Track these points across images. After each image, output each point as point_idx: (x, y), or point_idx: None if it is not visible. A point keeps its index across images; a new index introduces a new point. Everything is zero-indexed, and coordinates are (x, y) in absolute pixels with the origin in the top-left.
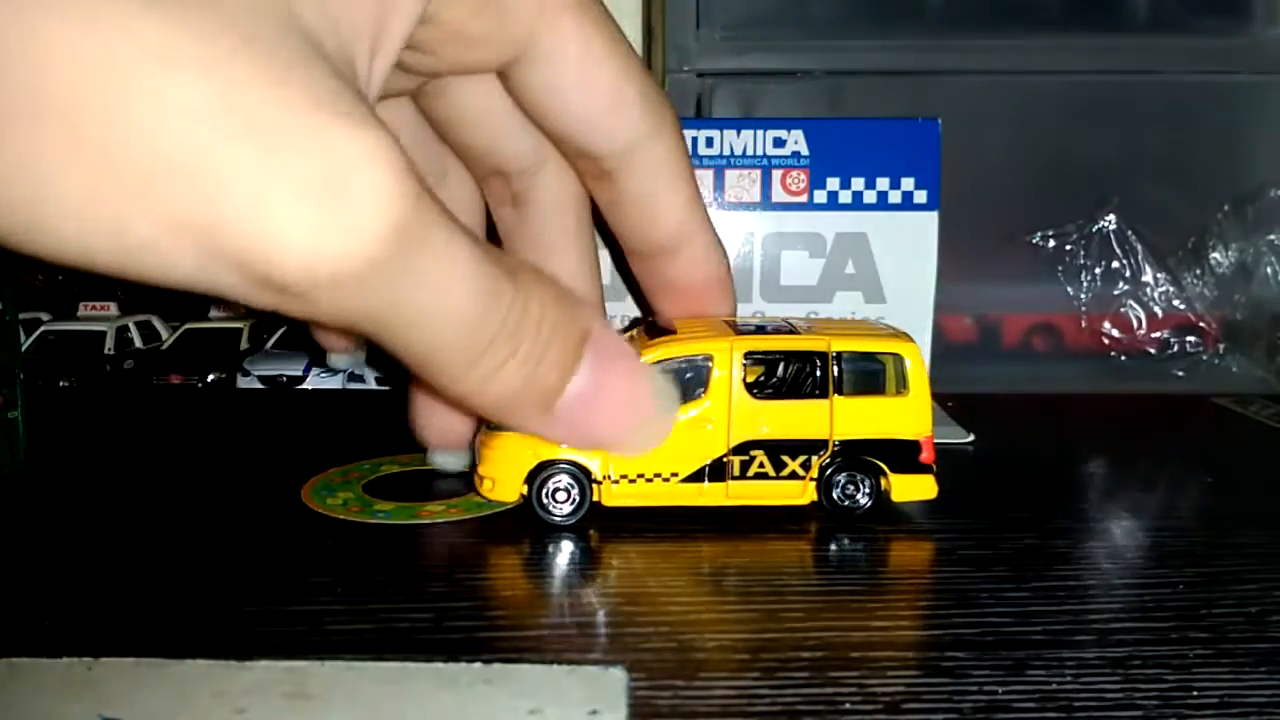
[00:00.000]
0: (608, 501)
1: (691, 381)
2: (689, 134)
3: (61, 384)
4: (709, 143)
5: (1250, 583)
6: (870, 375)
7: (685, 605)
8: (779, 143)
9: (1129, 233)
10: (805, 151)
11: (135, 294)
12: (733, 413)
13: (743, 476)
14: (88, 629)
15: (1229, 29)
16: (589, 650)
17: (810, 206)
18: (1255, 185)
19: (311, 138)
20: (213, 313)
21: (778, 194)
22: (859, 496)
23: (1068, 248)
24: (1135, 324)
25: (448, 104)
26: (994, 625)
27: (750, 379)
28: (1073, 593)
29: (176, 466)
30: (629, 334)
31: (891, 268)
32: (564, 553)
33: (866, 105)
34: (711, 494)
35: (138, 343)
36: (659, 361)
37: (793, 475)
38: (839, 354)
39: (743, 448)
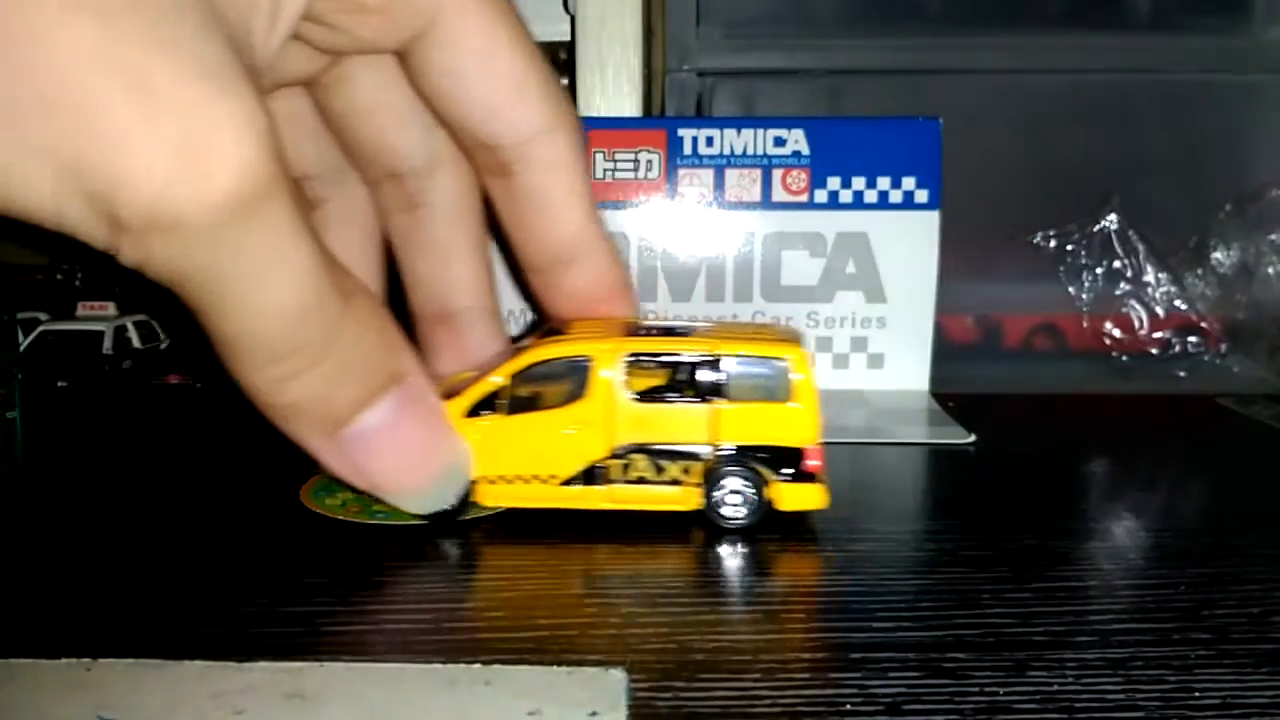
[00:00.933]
0: (485, 501)
1: (573, 382)
2: (689, 133)
3: (59, 384)
4: (709, 142)
5: (1252, 583)
6: (757, 381)
7: (685, 606)
8: (779, 142)
9: (1130, 233)
10: (806, 151)
11: (133, 293)
12: (613, 415)
13: (623, 481)
14: (86, 629)
15: (1230, 28)
16: (589, 651)
17: (811, 206)
18: (1257, 185)
19: (188, 102)
20: None
21: (778, 193)
22: (741, 504)
23: (1069, 248)
24: (1137, 324)
25: (343, 95)
26: (995, 626)
27: (653, 384)
28: (1074, 593)
29: (175, 467)
30: (528, 341)
31: (892, 267)
32: (563, 553)
33: (867, 104)
34: (591, 497)
35: (136, 343)
36: (540, 362)
37: (675, 481)
38: (724, 358)
39: (623, 451)
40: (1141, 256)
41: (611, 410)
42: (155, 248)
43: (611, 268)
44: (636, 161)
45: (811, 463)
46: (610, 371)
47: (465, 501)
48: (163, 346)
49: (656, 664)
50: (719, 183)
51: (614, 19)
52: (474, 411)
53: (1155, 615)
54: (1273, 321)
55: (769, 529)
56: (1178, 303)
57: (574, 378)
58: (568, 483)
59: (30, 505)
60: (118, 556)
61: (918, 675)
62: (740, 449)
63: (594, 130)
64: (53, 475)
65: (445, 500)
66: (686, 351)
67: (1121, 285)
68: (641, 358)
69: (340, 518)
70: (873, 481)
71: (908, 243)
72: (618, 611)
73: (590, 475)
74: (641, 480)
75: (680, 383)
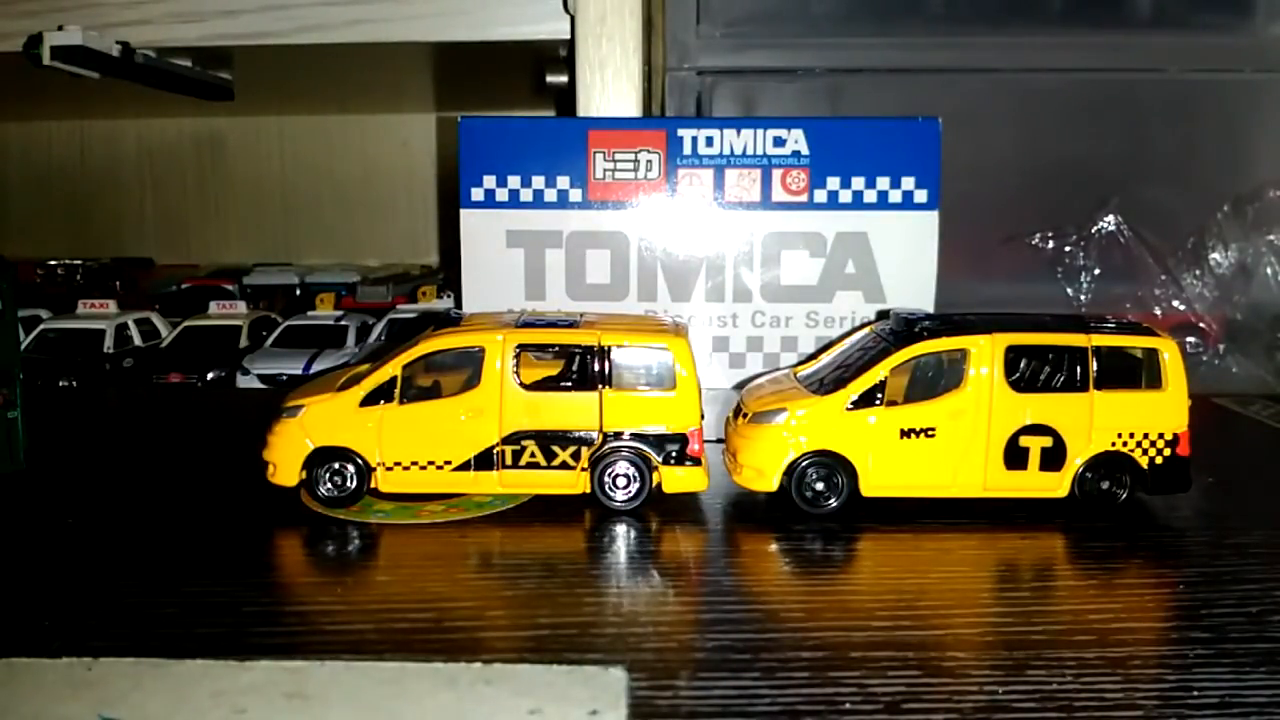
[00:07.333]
0: (384, 488)
1: (466, 372)
2: (689, 133)
3: (61, 384)
4: (709, 142)
5: (1251, 582)
6: (640, 369)
7: (685, 605)
8: (779, 142)
9: (1129, 233)
10: (805, 150)
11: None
12: (504, 403)
13: (514, 466)
14: (86, 629)
15: (1231, 27)
16: (589, 650)
17: (810, 206)
18: (1255, 185)
19: None
20: (212, 308)
21: (778, 193)
22: (628, 487)
23: (1067, 248)
24: None
25: None
26: (994, 625)
27: (548, 374)
28: (1073, 592)
29: (176, 466)
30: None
31: (892, 267)
32: (564, 553)
33: (867, 103)
34: (483, 482)
35: (137, 340)
36: (434, 353)
37: (564, 465)
38: (608, 348)
39: (513, 438)
40: (1140, 257)
41: (503, 398)
42: None
43: None
44: (636, 161)
45: (694, 446)
46: (501, 360)
47: (364, 488)
48: (164, 344)
49: (656, 662)
50: (719, 183)
51: (614, 18)
52: (370, 400)
53: (1154, 614)
54: (1271, 322)
55: (768, 529)
56: (1176, 303)
57: (467, 368)
58: (461, 468)
59: (32, 505)
60: (119, 556)
61: (917, 674)
62: (626, 434)
63: (594, 130)
64: (55, 475)
65: None
66: (574, 342)
67: (1119, 286)
68: (531, 348)
69: (340, 517)
70: None
71: (907, 242)
72: (618, 610)
73: (481, 461)
74: (532, 465)
75: (569, 372)
